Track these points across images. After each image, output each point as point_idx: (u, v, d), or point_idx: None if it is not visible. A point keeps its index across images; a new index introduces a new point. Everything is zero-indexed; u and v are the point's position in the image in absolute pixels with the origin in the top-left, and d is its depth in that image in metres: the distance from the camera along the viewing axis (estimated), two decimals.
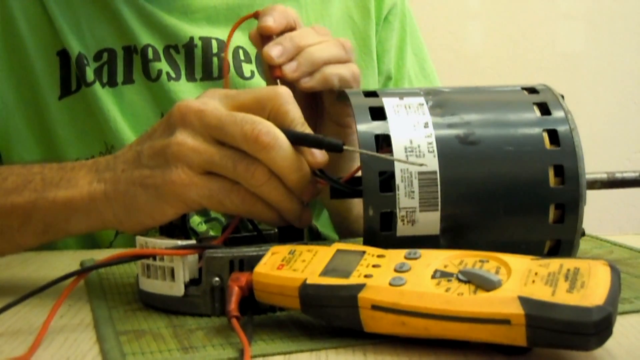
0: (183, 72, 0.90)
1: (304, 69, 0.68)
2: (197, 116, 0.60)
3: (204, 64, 0.90)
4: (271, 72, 0.69)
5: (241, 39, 0.91)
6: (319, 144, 0.59)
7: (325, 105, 0.74)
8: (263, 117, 0.59)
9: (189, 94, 0.88)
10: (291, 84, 0.68)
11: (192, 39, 0.90)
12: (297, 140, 0.59)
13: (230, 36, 0.74)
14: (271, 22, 0.69)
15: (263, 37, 0.70)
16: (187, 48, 0.90)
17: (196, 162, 0.59)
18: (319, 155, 0.60)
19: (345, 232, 0.90)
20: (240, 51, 0.92)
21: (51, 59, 0.90)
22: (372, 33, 0.98)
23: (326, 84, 0.69)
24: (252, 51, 0.92)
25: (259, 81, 0.91)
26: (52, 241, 0.71)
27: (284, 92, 0.60)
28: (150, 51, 0.89)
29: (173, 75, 0.90)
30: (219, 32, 0.91)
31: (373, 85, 0.99)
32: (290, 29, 0.71)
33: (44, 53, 0.90)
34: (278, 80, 0.68)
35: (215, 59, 0.90)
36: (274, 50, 0.68)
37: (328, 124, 0.74)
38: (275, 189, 0.59)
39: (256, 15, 0.71)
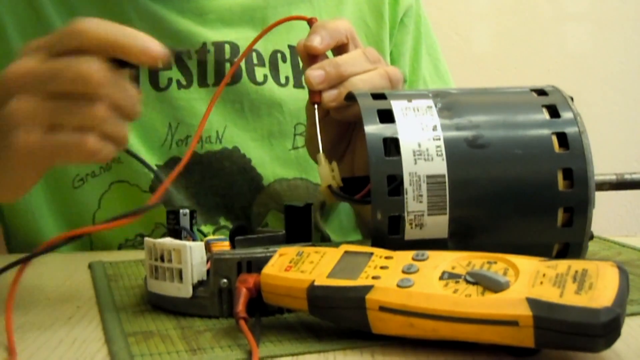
0: (195, 78, 0.90)
1: (343, 101, 0.67)
2: (27, 77, 0.57)
3: (216, 69, 0.90)
4: (310, 95, 0.67)
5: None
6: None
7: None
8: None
9: (200, 100, 0.88)
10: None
11: (204, 44, 0.89)
12: (118, 62, 0.57)
13: (258, 38, 0.73)
14: (317, 42, 0.67)
15: (310, 54, 0.68)
16: (200, 54, 0.89)
17: (37, 122, 0.56)
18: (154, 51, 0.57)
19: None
20: (254, 54, 0.91)
21: None
22: (386, 37, 0.98)
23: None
24: (266, 54, 0.92)
25: (271, 86, 0.91)
26: None
27: (86, 25, 0.57)
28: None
29: (184, 82, 0.89)
30: (232, 34, 0.91)
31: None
32: (342, 46, 0.70)
33: None
34: (316, 105, 0.67)
35: (227, 65, 0.90)
36: (315, 75, 0.66)
37: (361, 141, 0.73)
38: (115, 122, 0.57)
39: (310, 22, 0.70)
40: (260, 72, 0.91)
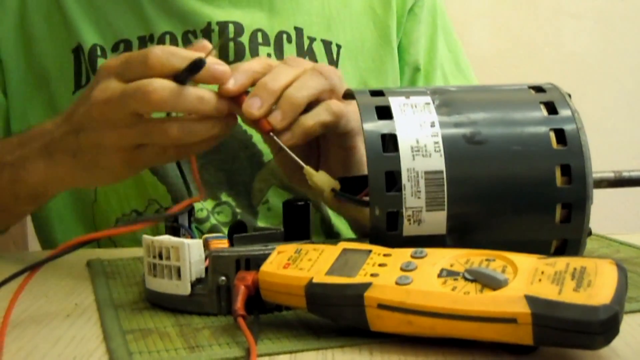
0: None
1: (290, 115, 0.65)
2: (107, 107, 0.65)
3: (220, 48, 0.91)
4: (259, 128, 0.65)
5: (261, 21, 0.92)
6: (196, 66, 0.63)
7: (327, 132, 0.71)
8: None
9: None
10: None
11: (209, 24, 0.90)
12: (181, 78, 0.63)
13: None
14: (232, 84, 0.65)
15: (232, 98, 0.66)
16: (205, 33, 0.91)
17: (124, 147, 0.66)
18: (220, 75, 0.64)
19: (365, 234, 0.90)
20: (259, 34, 0.92)
21: (66, 56, 0.92)
22: (393, 23, 0.99)
23: (309, 135, 0.67)
24: (272, 34, 0.92)
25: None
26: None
27: (151, 51, 0.63)
28: (167, 38, 0.90)
29: None
30: (238, 14, 0.92)
31: (392, 75, 0.99)
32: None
33: (59, 51, 0.92)
34: (271, 134, 0.64)
35: (231, 43, 0.91)
36: (251, 104, 0.64)
37: (331, 148, 0.73)
38: (195, 128, 0.64)
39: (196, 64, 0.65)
40: (264, 52, 0.92)
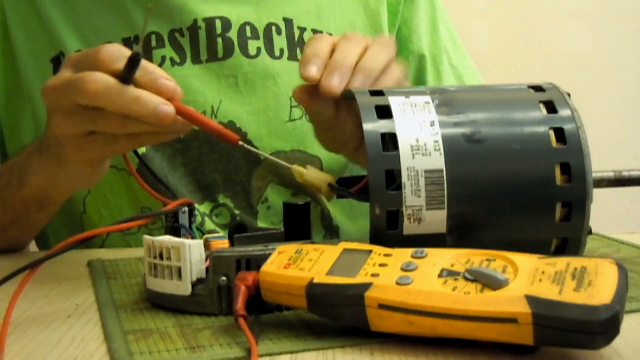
0: (188, 55, 0.90)
1: (370, 82, 0.67)
2: (53, 94, 0.66)
3: (208, 45, 0.90)
4: (229, 140, 0.64)
5: (248, 14, 0.92)
6: (134, 61, 0.62)
7: None
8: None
9: (194, 77, 0.89)
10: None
11: (195, 21, 0.90)
12: (123, 76, 0.62)
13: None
14: (314, 72, 0.66)
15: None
16: (191, 30, 0.90)
17: (72, 134, 0.66)
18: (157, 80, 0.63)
19: None
20: (247, 27, 0.91)
21: (44, 66, 0.91)
22: (383, 11, 0.98)
23: None
24: (260, 27, 0.92)
25: (264, 58, 0.91)
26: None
27: (104, 47, 0.64)
28: (153, 38, 0.89)
29: (177, 59, 0.90)
30: (225, 9, 0.91)
31: None
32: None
33: (39, 62, 0.91)
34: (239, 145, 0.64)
35: (219, 39, 0.90)
36: (331, 82, 0.65)
37: None
38: (137, 124, 0.63)
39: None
40: (253, 45, 0.91)
